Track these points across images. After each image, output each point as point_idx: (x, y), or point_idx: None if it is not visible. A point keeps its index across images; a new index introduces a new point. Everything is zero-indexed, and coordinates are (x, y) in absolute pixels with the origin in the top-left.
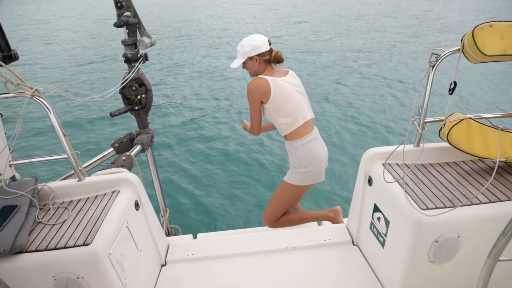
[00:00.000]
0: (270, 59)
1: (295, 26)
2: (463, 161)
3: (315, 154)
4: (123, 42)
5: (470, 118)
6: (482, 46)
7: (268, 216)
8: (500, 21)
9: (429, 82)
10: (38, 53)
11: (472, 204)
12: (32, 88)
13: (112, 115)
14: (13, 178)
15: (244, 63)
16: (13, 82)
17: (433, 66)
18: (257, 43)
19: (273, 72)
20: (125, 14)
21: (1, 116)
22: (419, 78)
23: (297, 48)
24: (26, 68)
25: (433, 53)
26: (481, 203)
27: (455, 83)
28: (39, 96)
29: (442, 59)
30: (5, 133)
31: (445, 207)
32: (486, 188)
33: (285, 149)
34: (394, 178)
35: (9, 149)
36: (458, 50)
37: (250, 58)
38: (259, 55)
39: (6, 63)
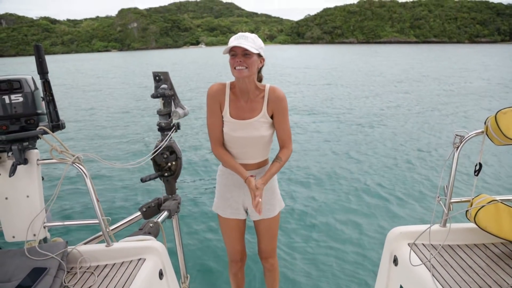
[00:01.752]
0: (260, 70)
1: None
2: (492, 244)
3: None
4: (159, 112)
5: (497, 200)
6: (506, 129)
7: (276, 249)
8: None
9: (454, 163)
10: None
11: None
12: (73, 156)
13: (142, 180)
14: (44, 239)
15: (250, 55)
16: (57, 149)
17: (458, 147)
18: None
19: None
20: (162, 86)
21: (42, 179)
22: (444, 154)
23: (310, 109)
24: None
25: (457, 135)
26: None
27: (480, 164)
28: (79, 163)
29: (466, 141)
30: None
31: None
32: None
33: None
34: (420, 260)
35: (45, 212)
36: (482, 132)
37: (259, 55)
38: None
39: (53, 131)
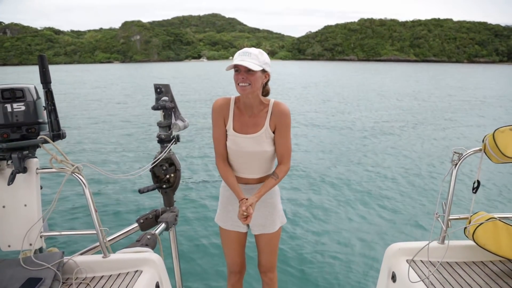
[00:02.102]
0: (266, 84)
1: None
2: (491, 261)
3: None
4: (159, 124)
5: (495, 218)
6: (504, 148)
7: (275, 264)
8: None
9: (452, 180)
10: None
11: None
12: (73, 165)
13: (140, 191)
14: (40, 249)
15: (253, 72)
16: (57, 159)
17: (456, 164)
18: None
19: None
20: (163, 98)
21: (41, 188)
22: (443, 171)
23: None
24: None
25: (455, 152)
26: None
27: (478, 182)
28: (78, 173)
29: (464, 159)
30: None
31: None
32: None
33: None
34: (419, 277)
35: (43, 221)
36: (480, 150)
37: (264, 71)
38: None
39: (54, 141)
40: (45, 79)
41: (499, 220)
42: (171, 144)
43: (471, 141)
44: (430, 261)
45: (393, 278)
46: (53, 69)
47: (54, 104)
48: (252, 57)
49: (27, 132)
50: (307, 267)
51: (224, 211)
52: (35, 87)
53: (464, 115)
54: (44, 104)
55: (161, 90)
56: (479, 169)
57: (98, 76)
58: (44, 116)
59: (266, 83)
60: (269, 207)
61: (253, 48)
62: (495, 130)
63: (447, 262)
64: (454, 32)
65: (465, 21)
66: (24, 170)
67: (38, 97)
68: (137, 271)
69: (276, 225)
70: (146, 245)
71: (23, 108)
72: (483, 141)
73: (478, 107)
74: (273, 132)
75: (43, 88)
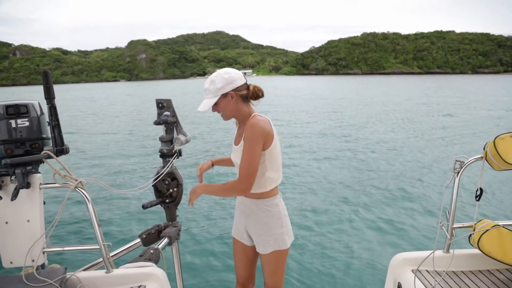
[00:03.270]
0: (248, 95)
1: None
2: (497, 270)
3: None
4: (161, 138)
5: (500, 225)
6: (505, 155)
7: (280, 285)
8: None
9: (455, 188)
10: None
11: None
12: (76, 180)
13: (144, 207)
14: (42, 265)
15: (215, 103)
16: (61, 174)
17: (458, 172)
18: (231, 76)
19: (254, 111)
20: (164, 113)
21: (44, 203)
22: (446, 179)
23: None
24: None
25: (457, 160)
26: None
27: (481, 189)
28: (81, 188)
29: (466, 167)
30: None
31: None
32: None
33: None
34: (425, 286)
35: (46, 237)
36: (482, 157)
37: (224, 95)
38: (235, 90)
39: (57, 156)
40: (49, 95)
41: (503, 227)
42: (173, 159)
43: (474, 148)
44: (435, 271)
45: None
46: (61, 89)
47: (58, 120)
48: (207, 93)
49: (30, 147)
50: (310, 279)
51: (235, 219)
52: (39, 103)
53: (467, 123)
54: (48, 120)
55: (163, 105)
56: (481, 176)
57: (107, 94)
58: (47, 131)
59: (243, 95)
60: (262, 226)
61: (207, 79)
62: (496, 138)
63: (453, 271)
64: (457, 43)
65: (468, 33)
66: (28, 185)
67: (42, 113)
68: (140, 286)
69: (268, 247)
70: (149, 260)
71: (27, 123)
72: (484, 148)
73: (481, 115)
74: None
75: (47, 104)
